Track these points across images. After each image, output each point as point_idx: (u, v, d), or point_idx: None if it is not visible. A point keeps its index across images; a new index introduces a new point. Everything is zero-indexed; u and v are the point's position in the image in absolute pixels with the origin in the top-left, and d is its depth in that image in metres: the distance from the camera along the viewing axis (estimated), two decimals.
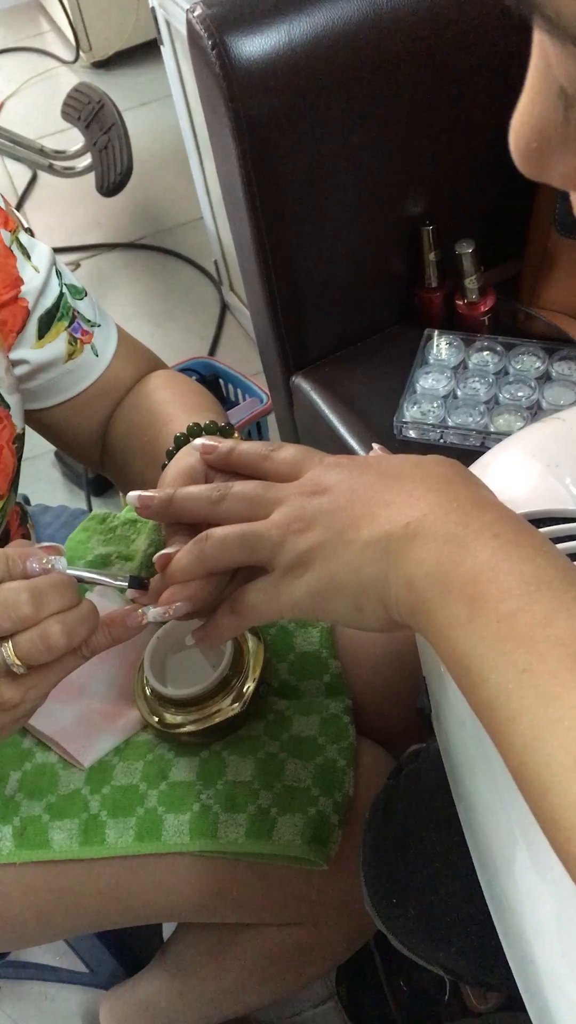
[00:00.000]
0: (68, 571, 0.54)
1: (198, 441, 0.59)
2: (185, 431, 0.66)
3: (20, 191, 2.54)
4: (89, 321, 0.79)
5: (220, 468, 0.58)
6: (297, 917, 0.79)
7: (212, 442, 0.58)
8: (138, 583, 0.56)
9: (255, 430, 1.63)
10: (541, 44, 0.27)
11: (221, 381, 1.72)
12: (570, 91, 0.27)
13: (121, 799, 0.75)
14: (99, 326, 0.80)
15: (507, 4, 0.24)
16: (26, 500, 1.01)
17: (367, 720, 0.83)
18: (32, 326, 0.74)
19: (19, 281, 0.72)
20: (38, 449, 1.85)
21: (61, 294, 0.76)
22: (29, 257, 0.74)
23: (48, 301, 0.75)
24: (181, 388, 0.79)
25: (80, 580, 0.55)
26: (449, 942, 0.63)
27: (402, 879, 0.65)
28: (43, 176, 2.51)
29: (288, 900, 0.77)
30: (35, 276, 0.74)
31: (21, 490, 1.01)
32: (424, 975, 1.04)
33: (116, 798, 0.75)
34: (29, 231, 0.76)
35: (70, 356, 0.77)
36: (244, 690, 0.76)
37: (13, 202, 2.50)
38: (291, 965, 0.84)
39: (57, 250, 2.29)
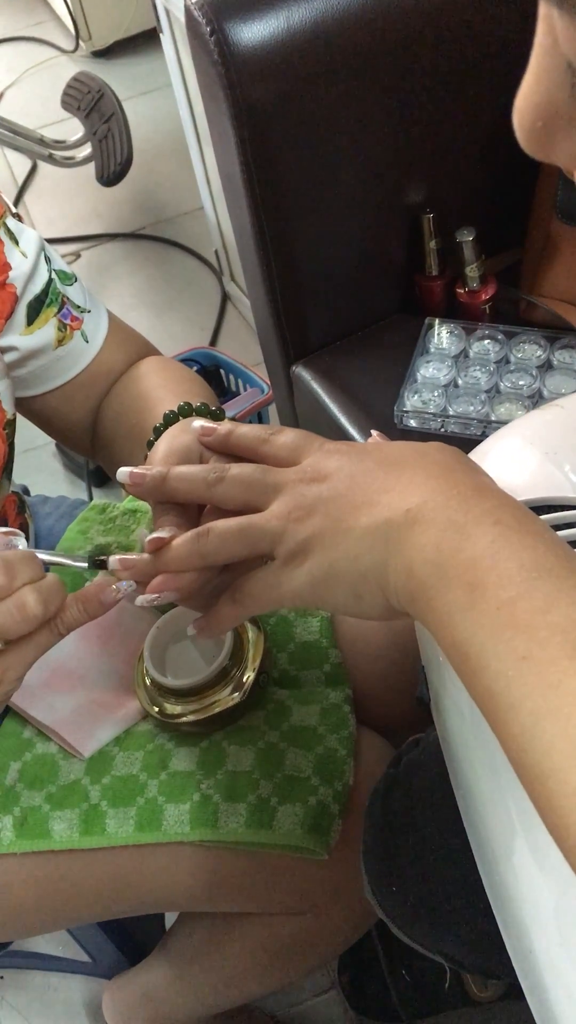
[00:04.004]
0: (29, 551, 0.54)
1: (197, 422, 0.57)
2: (175, 410, 0.65)
3: (20, 181, 2.53)
4: (79, 307, 0.78)
5: (218, 450, 0.56)
6: (298, 906, 0.80)
7: (211, 424, 0.57)
8: (98, 564, 0.55)
9: (256, 420, 1.63)
10: (548, 19, 0.26)
11: (222, 371, 1.71)
12: None
13: (121, 789, 0.75)
14: (89, 312, 0.79)
15: None
16: (25, 491, 1.01)
17: (367, 709, 0.82)
18: (21, 312, 0.74)
19: (7, 267, 0.72)
20: (39, 440, 1.85)
21: (50, 280, 0.76)
22: (17, 243, 0.73)
23: (37, 287, 0.75)
24: (172, 373, 0.78)
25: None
26: (449, 930, 0.63)
27: (402, 868, 0.65)
28: (43, 166, 2.50)
29: (289, 889, 0.77)
30: (23, 262, 0.73)
31: (21, 481, 1.01)
32: (426, 963, 1.05)
33: (116, 788, 0.75)
34: (17, 216, 0.76)
35: (60, 342, 0.76)
36: (244, 680, 0.75)
37: (13, 192, 2.49)
38: (292, 954, 0.84)
39: (57, 240, 2.31)
